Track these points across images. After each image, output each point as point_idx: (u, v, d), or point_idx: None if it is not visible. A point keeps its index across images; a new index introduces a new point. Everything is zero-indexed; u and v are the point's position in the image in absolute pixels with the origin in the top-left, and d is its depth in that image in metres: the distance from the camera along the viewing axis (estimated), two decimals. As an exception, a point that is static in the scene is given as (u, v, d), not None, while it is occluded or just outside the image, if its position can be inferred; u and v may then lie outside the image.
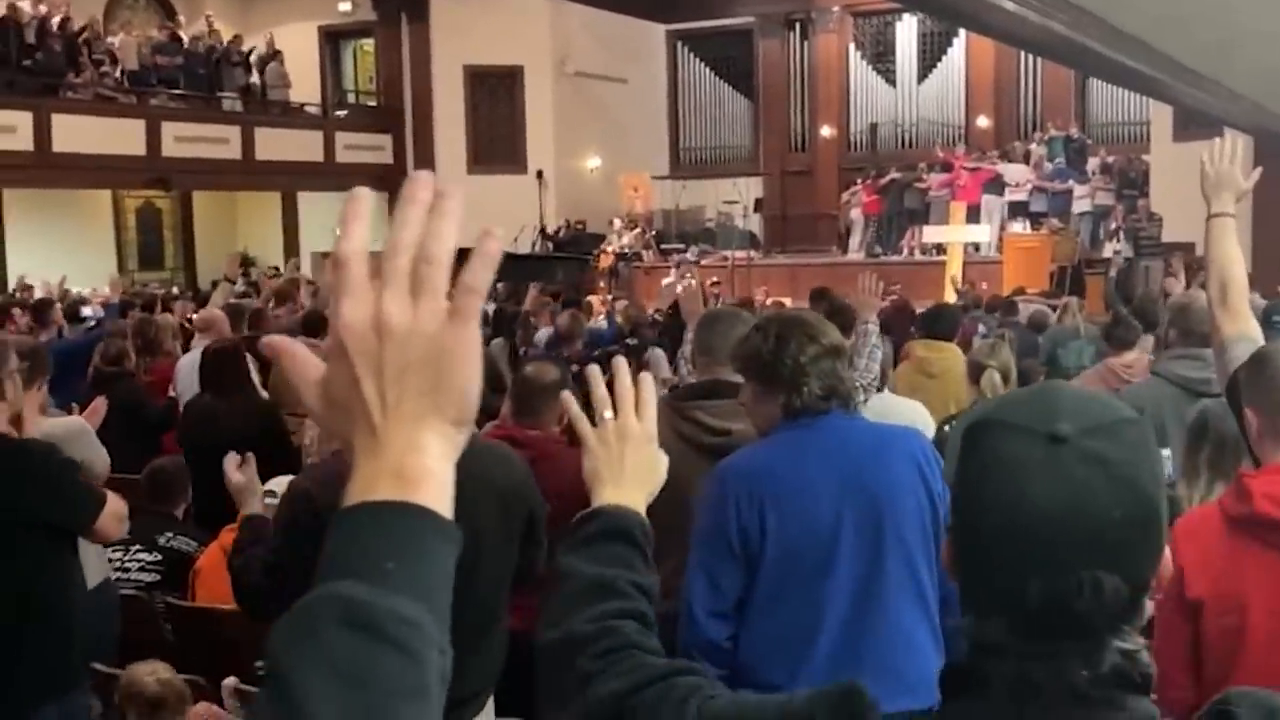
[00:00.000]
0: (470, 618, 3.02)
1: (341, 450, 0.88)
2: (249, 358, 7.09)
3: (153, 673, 3.52)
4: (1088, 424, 1.11)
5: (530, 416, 4.04)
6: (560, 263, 20.20)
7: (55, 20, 18.80)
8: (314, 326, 7.84)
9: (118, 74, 19.81)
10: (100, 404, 4.58)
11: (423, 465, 0.84)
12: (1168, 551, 1.15)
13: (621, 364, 1.59)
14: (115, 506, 3.62)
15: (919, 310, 10.12)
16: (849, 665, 2.71)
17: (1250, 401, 2.49)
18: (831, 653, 2.71)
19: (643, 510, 1.55)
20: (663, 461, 1.62)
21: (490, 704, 3.24)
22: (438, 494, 0.84)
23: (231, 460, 3.61)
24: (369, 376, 0.84)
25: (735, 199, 22.50)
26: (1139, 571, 1.10)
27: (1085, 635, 1.09)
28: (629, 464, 1.57)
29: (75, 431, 4.35)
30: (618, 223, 21.84)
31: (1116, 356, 6.14)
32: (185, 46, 21.04)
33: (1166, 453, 4.09)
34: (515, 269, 18.30)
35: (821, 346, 2.82)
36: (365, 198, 0.87)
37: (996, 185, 20.47)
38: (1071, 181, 20.16)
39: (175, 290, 17.57)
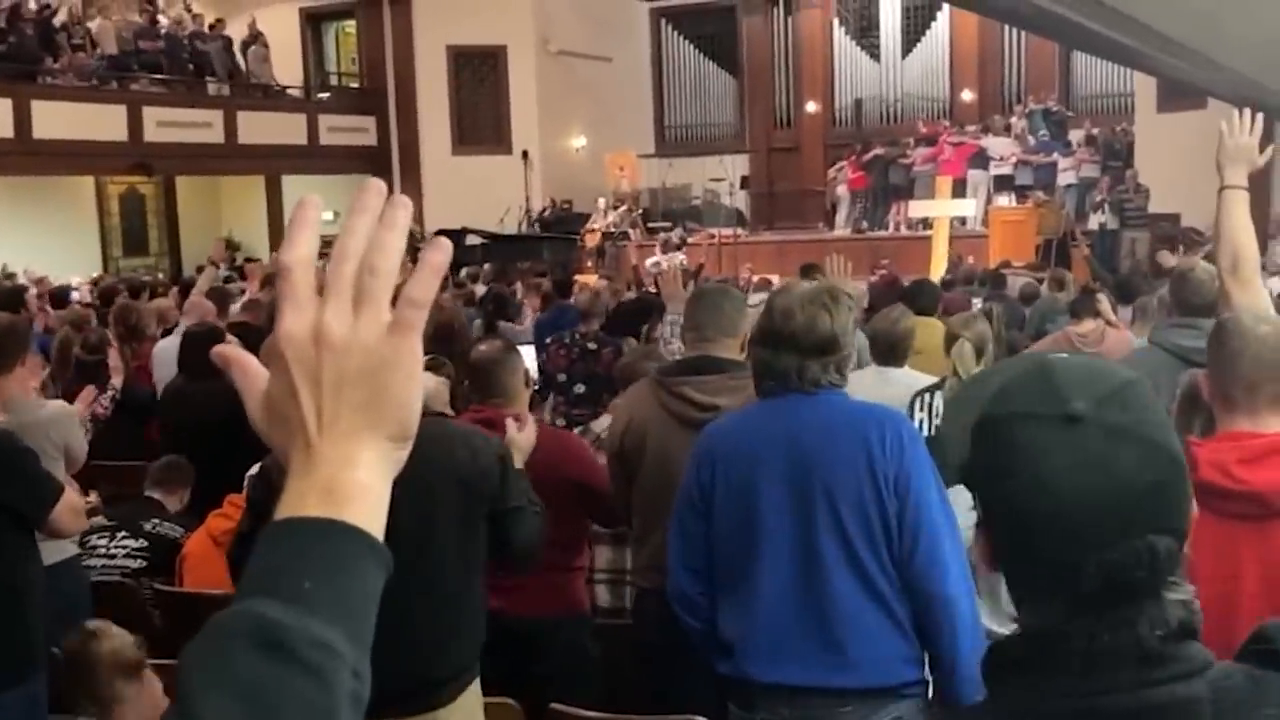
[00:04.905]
0: (435, 601, 3.03)
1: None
2: (236, 341, 7.04)
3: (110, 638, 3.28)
4: (1097, 396, 1.12)
5: (497, 395, 3.98)
6: (547, 243, 20.16)
7: (32, 4, 18.63)
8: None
9: (97, 59, 19.67)
10: (90, 391, 4.57)
11: (355, 482, 0.81)
12: None
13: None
14: (73, 500, 3.60)
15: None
16: (788, 633, 2.78)
17: (1208, 367, 2.54)
18: (770, 619, 2.82)
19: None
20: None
21: (477, 684, 3.24)
22: (369, 512, 0.81)
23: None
24: (306, 389, 0.82)
25: (721, 176, 22.44)
26: (1181, 523, 1.13)
27: (1147, 598, 1.10)
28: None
29: (60, 415, 4.33)
30: (604, 202, 21.78)
31: (1075, 325, 6.44)
32: (165, 31, 20.89)
33: None
34: (501, 250, 18.29)
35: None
36: (314, 205, 0.86)
37: (981, 159, 20.44)
38: (1056, 154, 20.15)
39: (160, 276, 17.53)
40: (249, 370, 0.88)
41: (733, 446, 2.93)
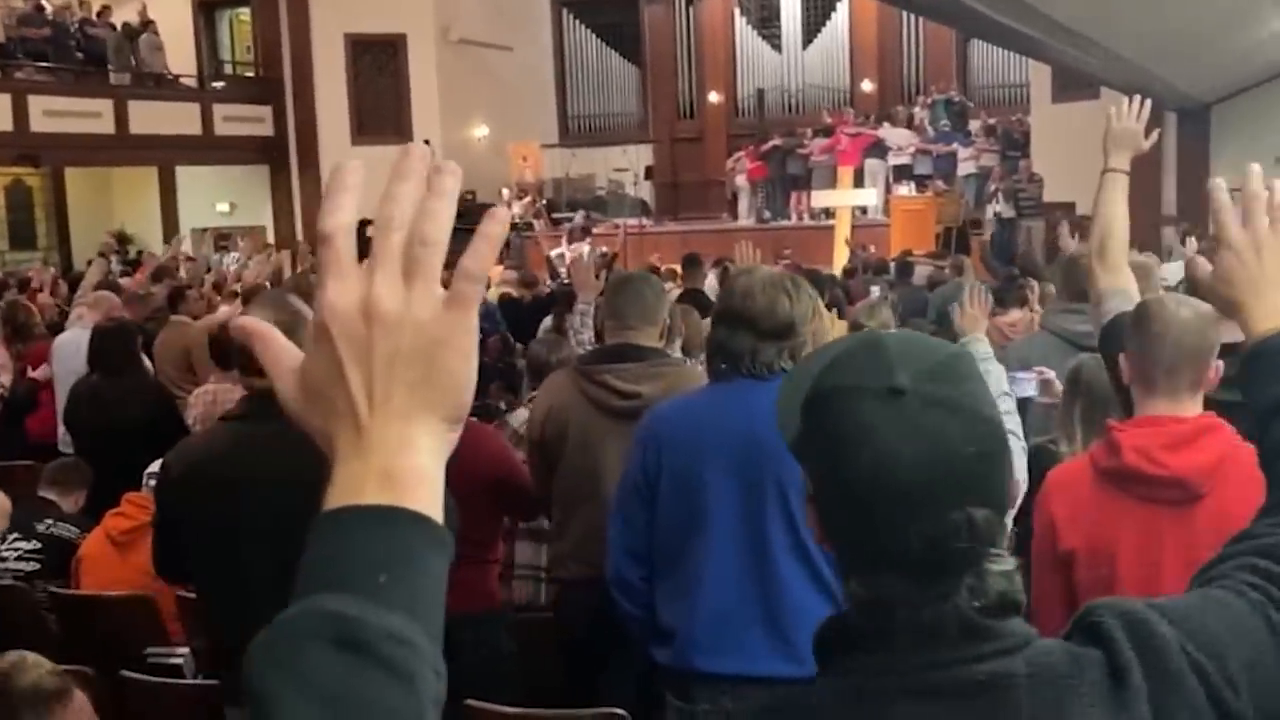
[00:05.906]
0: None
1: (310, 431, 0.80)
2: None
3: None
4: (920, 369, 1.13)
5: None
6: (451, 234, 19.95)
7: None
8: (175, 303, 7.94)
9: (-21, 46, 19.03)
10: None
11: (414, 466, 0.77)
12: (1019, 469, 1.16)
13: None
14: (3, 502, 3.49)
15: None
16: (733, 622, 2.75)
17: (1129, 349, 2.53)
18: (715, 608, 2.79)
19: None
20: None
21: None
22: (430, 498, 0.77)
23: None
24: (356, 367, 0.77)
25: (625, 167, 22.42)
26: (1000, 496, 1.15)
27: (967, 568, 1.12)
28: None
29: None
30: (507, 193, 21.62)
31: (1002, 316, 6.35)
32: (51, 17, 20.25)
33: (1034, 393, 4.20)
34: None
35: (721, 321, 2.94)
36: (356, 170, 0.80)
37: (879, 149, 20.67)
38: (955, 144, 20.45)
39: (52, 270, 16.99)
40: (272, 345, 0.82)
41: (679, 431, 2.89)
